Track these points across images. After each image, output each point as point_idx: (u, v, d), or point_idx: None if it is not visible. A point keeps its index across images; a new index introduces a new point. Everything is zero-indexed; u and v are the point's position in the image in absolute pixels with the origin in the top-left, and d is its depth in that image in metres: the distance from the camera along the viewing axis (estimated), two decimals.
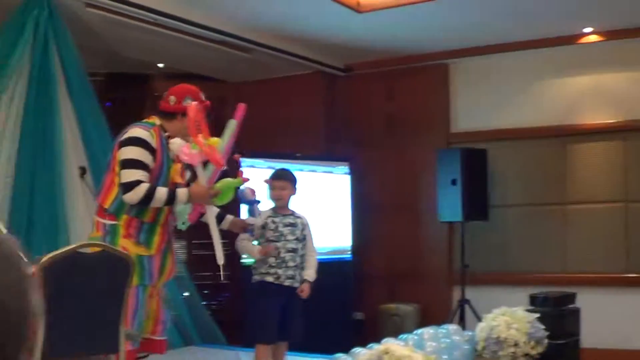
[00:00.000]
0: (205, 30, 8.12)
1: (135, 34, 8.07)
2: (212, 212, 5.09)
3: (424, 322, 8.50)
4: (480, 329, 6.41)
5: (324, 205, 9.22)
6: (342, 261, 9.71)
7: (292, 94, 9.92)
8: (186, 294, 8.37)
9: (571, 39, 9.10)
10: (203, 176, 4.93)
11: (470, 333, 6.56)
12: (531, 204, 9.45)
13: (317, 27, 8.60)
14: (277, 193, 6.27)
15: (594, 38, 9.04)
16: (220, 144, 4.92)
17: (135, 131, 4.85)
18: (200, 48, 8.56)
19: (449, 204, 9.08)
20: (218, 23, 8.18)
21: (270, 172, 6.54)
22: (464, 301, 8.94)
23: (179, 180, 4.96)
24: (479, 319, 6.94)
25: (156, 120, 5.03)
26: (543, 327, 6.40)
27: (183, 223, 5.13)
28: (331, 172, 9.62)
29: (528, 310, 6.59)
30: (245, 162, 7.79)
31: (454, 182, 9.03)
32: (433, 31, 8.93)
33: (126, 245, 4.76)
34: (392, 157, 9.77)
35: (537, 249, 9.30)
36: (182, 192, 4.80)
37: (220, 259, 4.93)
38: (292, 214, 6.40)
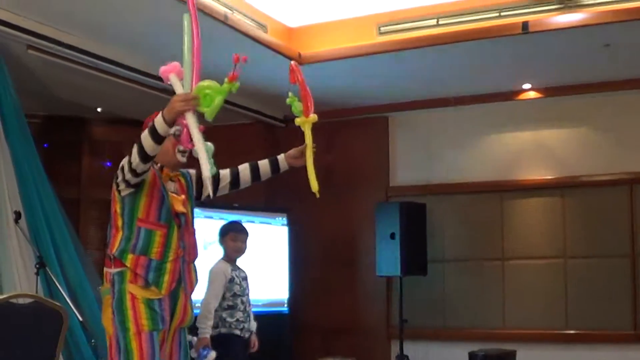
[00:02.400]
0: (146, 77, 8.03)
1: (75, 78, 7.97)
2: (192, 119, 4.31)
3: None
4: None
5: (262, 257, 9.12)
6: (278, 314, 9.58)
7: (232, 143, 9.81)
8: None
9: (510, 95, 9.21)
10: (179, 85, 4.51)
11: None
12: (470, 259, 9.44)
13: (258, 77, 8.55)
14: (241, 246, 6.33)
15: (533, 94, 9.15)
16: (187, 54, 4.57)
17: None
18: (140, 94, 8.46)
19: (388, 258, 9.02)
20: (158, 70, 8.08)
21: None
22: (402, 356, 8.85)
23: (181, 209, 4.64)
24: None
25: None
26: None
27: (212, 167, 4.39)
28: (269, 224, 9.54)
29: None
30: None
31: (392, 236, 8.99)
32: (374, 84, 8.96)
33: (134, 291, 4.50)
34: (331, 210, 9.69)
35: (476, 304, 9.28)
36: (157, 119, 4.28)
37: (207, 170, 4.23)
38: (239, 267, 6.46)
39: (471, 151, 9.54)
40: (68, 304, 6.64)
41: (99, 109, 9.79)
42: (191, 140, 4.34)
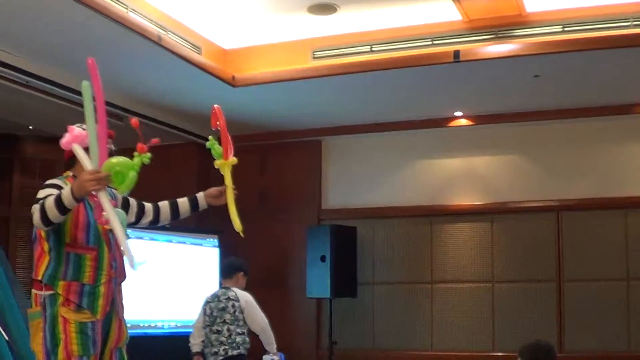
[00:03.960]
0: (78, 96, 7.95)
1: (5, 95, 7.87)
2: (105, 198, 4.19)
3: None
4: None
5: (192, 278, 9.09)
6: None
7: (165, 163, 9.78)
8: None
9: (442, 122, 9.35)
10: (85, 158, 4.35)
11: None
12: (400, 282, 9.52)
13: (192, 98, 8.56)
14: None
15: (464, 122, 9.29)
16: (91, 124, 4.29)
17: (48, 181, 4.55)
18: (72, 112, 8.38)
19: (318, 280, 9.06)
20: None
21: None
22: None
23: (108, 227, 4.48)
24: None
25: (69, 172, 4.72)
26: None
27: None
28: (201, 245, 9.51)
29: None
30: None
31: (323, 259, 9.04)
32: (307, 108, 9.02)
33: (66, 315, 4.39)
34: (263, 232, 9.70)
35: (405, 327, 9.35)
36: (65, 190, 4.17)
37: (131, 258, 4.16)
38: None
39: (402, 176, 9.64)
40: None
41: (30, 127, 9.69)
42: (103, 215, 4.22)
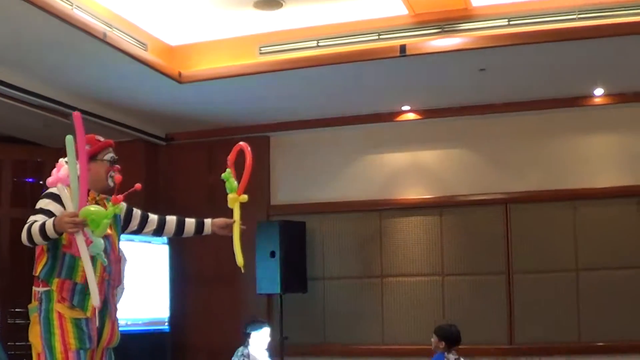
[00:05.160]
0: (24, 94, 7.88)
1: None
2: (81, 243, 4.41)
3: None
4: None
5: (142, 275, 9.04)
6: (159, 333, 9.51)
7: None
8: None
9: (390, 117, 9.39)
10: (68, 200, 4.54)
11: None
12: (349, 277, 9.55)
13: (138, 95, 8.52)
14: None
15: (411, 116, 9.34)
16: (73, 171, 4.46)
17: (49, 189, 4.73)
18: (19, 111, 8.29)
19: (268, 276, 9.05)
20: (37, 87, 7.97)
21: None
22: None
23: (108, 231, 4.67)
24: None
25: None
26: None
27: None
28: (149, 242, 9.45)
29: None
30: None
31: (272, 255, 9.03)
32: (255, 104, 9.00)
33: (61, 310, 4.59)
34: None
35: (356, 321, 9.38)
36: (48, 222, 4.41)
37: (96, 300, 4.43)
38: None
39: (351, 171, 9.66)
40: None
41: None
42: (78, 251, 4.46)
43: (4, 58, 7.30)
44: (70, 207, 4.47)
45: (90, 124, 8.89)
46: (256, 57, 7.86)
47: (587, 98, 8.83)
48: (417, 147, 9.48)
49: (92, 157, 4.91)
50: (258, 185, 9.89)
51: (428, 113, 9.30)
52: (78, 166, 4.46)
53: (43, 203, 4.65)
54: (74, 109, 8.41)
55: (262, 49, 7.81)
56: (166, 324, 9.64)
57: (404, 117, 9.40)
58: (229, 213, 9.85)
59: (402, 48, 7.37)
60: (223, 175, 5.38)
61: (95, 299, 4.45)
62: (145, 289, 9.06)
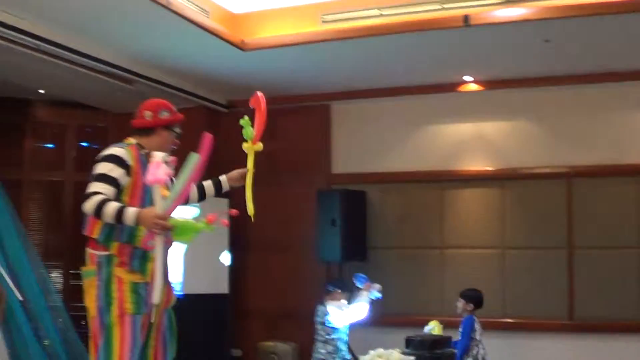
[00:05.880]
0: (88, 59, 7.98)
1: (17, 59, 7.87)
2: (160, 245, 4.59)
3: None
4: None
5: (202, 241, 9.10)
6: (220, 296, 9.60)
7: None
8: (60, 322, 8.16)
9: (452, 87, 9.33)
10: (158, 201, 4.57)
11: None
12: (409, 247, 9.55)
13: (201, 62, 8.57)
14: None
15: (474, 87, 9.26)
16: (180, 180, 4.57)
17: (109, 149, 4.76)
18: (83, 76, 8.40)
19: (328, 244, 9.09)
20: (101, 53, 8.06)
21: None
22: None
23: (165, 193, 4.67)
24: None
25: (131, 139, 4.94)
26: None
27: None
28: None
29: (403, 353, 6.62)
30: None
31: (333, 223, 9.06)
32: (316, 72, 9.01)
33: (121, 275, 4.64)
34: (273, 196, 9.71)
35: (414, 291, 9.38)
36: (131, 211, 4.47)
37: (156, 298, 4.59)
38: None
39: (412, 141, 9.63)
40: (7, 283, 6.64)
41: (41, 91, 9.70)
42: (152, 241, 4.59)
43: (67, 24, 7.39)
44: (159, 206, 4.51)
45: (153, 91, 9.04)
46: (319, 26, 7.84)
47: None
48: (479, 118, 9.41)
49: (167, 125, 5.07)
50: (319, 153, 9.93)
51: (491, 84, 9.21)
52: (185, 179, 4.55)
53: (106, 168, 4.65)
54: (137, 75, 8.57)
55: (324, 17, 7.79)
56: (227, 289, 9.72)
57: (466, 88, 9.33)
58: (288, 180, 9.96)
59: (466, 18, 7.30)
60: (241, 121, 5.26)
61: (158, 297, 4.58)
62: (206, 255, 9.14)
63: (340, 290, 7.89)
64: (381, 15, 7.62)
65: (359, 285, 7.86)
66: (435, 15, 7.43)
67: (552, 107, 9.14)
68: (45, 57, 7.78)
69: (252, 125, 5.32)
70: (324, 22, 7.80)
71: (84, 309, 4.73)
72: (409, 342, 7.26)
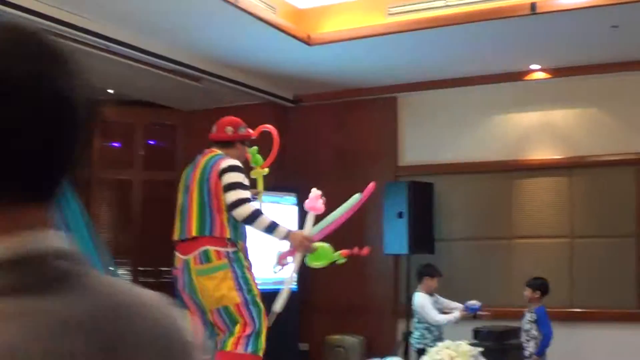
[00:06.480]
0: (156, 59, 8.09)
1: (85, 59, 7.96)
2: (298, 260, 5.79)
3: (368, 354, 8.51)
4: None
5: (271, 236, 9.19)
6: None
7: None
8: None
9: (518, 76, 9.27)
10: (309, 226, 5.66)
11: None
12: (477, 238, 9.52)
13: (268, 58, 8.64)
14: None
15: (541, 75, 9.20)
16: (335, 213, 5.83)
17: (231, 161, 5.52)
18: (151, 75, 8.52)
19: (395, 237, 9.10)
20: (169, 51, 8.17)
21: None
22: (408, 334, 8.90)
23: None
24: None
25: (218, 151, 5.68)
26: None
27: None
28: (278, 203, 9.59)
29: (471, 344, 6.61)
30: None
31: (400, 215, 9.07)
32: (382, 65, 9.02)
33: (247, 266, 5.56)
34: (340, 189, 9.63)
35: (482, 283, 9.34)
36: (283, 227, 5.48)
37: (279, 307, 5.63)
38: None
39: (479, 131, 9.60)
40: None
41: (110, 91, 9.84)
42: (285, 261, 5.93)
43: (136, 24, 7.51)
44: (309, 230, 5.71)
45: (220, 88, 9.13)
46: (385, 18, 7.87)
47: None
48: (546, 107, 9.35)
49: (243, 141, 5.86)
50: (385, 145, 9.94)
51: (558, 72, 9.14)
52: (341, 212, 5.85)
53: (240, 177, 5.45)
54: (205, 72, 8.65)
55: (390, 9, 7.81)
56: (294, 283, 9.76)
57: (533, 76, 9.27)
58: (355, 173, 10.01)
59: (533, 6, 7.27)
60: (250, 150, 6.06)
61: (280, 306, 5.70)
62: (274, 248, 9.20)
63: (430, 277, 8.33)
64: (447, 5, 7.62)
65: (471, 313, 8.23)
66: (502, 4, 7.41)
67: (620, 93, 9.04)
68: (114, 57, 7.91)
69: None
70: (389, 14, 7.82)
71: None
72: (476, 333, 7.27)
